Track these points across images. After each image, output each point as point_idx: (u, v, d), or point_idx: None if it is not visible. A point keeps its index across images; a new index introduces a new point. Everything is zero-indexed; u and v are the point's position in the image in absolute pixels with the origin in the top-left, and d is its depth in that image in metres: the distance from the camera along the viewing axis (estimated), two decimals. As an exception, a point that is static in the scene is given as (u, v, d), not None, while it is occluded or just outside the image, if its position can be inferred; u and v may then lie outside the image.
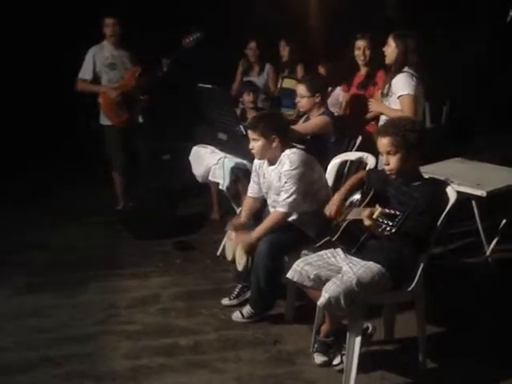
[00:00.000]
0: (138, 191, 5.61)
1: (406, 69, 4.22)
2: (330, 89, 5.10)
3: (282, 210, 3.61)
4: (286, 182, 3.58)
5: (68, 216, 5.70)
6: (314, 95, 4.38)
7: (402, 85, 4.19)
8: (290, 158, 3.60)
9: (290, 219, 3.68)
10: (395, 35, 4.28)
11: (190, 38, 5.22)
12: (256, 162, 3.89)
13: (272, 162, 3.72)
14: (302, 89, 4.42)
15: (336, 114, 4.84)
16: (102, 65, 5.34)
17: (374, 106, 4.53)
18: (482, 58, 7.52)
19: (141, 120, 5.50)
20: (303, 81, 4.51)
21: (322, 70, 5.68)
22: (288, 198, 3.58)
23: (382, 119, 4.37)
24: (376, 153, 4.17)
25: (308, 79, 4.51)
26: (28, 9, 7.14)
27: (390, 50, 4.30)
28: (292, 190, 3.57)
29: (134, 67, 5.34)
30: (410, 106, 4.15)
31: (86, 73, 5.35)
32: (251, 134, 3.68)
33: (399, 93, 4.19)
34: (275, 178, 3.67)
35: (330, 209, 3.35)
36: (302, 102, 4.45)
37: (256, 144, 3.67)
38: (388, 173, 3.12)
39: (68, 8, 7.10)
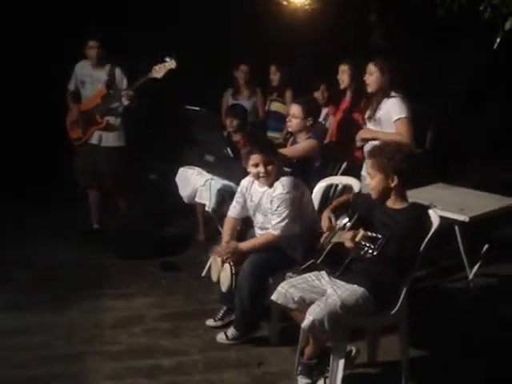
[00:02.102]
0: (123, 211, 5.65)
1: (393, 93, 4.23)
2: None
3: (275, 232, 3.64)
4: (278, 206, 3.60)
5: (52, 235, 5.62)
6: (306, 118, 4.40)
7: (398, 108, 4.18)
8: (281, 182, 3.64)
9: (276, 241, 3.70)
10: (375, 62, 4.29)
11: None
12: (243, 183, 3.90)
13: (264, 184, 3.74)
14: (296, 109, 4.41)
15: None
16: (78, 80, 5.55)
17: (364, 134, 4.40)
18: (468, 83, 7.62)
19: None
20: (299, 102, 4.48)
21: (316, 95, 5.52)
22: (281, 221, 3.61)
23: (369, 144, 4.40)
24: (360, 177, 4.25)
25: (304, 102, 4.49)
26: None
27: (373, 76, 4.29)
28: (285, 214, 3.60)
29: (100, 89, 5.42)
30: (408, 128, 4.16)
31: (70, 83, 5.60)
32: (261, 158, 3.64)
33: (396, 116, 4.17)
34: (265, 201, 3.70)
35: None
36: (293, 123, 4.44)
37: (270, 168, 3.65)
38: (370, 191, 3.20)
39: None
